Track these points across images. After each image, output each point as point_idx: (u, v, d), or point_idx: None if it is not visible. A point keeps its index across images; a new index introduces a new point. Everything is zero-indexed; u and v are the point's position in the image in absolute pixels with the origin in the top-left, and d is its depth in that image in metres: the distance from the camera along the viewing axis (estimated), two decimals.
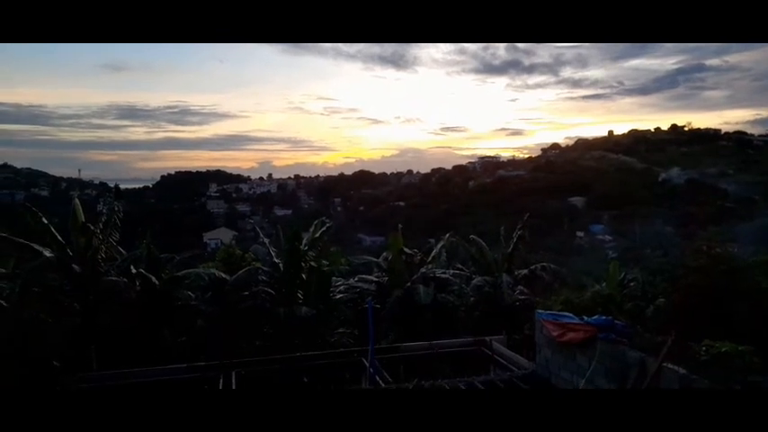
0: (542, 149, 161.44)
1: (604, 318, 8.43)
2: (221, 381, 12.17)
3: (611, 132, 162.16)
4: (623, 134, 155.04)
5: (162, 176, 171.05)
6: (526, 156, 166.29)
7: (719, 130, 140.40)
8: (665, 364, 6.94)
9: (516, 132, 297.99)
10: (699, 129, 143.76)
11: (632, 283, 18.01)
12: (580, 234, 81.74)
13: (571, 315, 9.20)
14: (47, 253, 15.17)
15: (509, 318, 18.85)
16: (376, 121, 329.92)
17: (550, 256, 38.66)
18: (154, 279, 16.44)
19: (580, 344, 8.61)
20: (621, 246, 65.56)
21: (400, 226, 21.09)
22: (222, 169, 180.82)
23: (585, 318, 8.73)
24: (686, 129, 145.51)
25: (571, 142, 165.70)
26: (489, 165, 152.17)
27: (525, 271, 20.89)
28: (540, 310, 10.37)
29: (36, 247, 15.37)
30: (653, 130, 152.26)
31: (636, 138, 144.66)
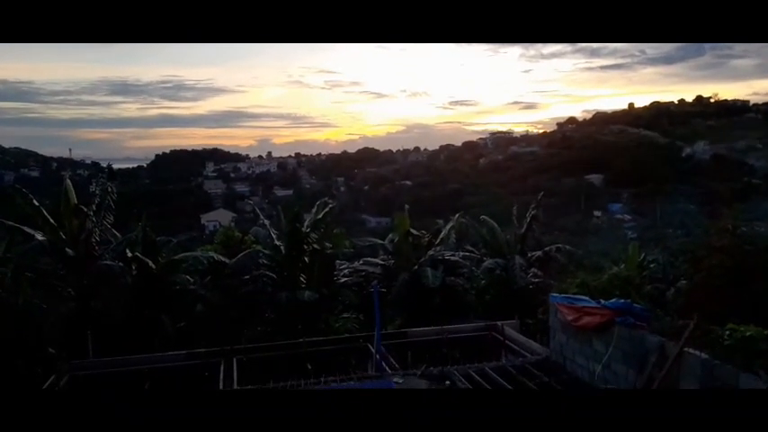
0: (558, 124, 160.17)
1: (622, 301, 8.45)
2: (222, 368, 12.34)
3: (631, 105, 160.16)
4: (645, 107, 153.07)
5: (156, 155, 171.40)
6: (541, 131, 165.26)
7: (748, 102, 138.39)
8: (686, 349, 6.97)
9: (530, 106, 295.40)
10: (726, 100, 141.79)
11: (652, 265, 17.97)
12: (597, 213, 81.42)
13: (587, 298, 9.23)
14: (39, 236, 15.30)
15: (522, 301, 18.91)
16: (380, 95, 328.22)
17: (566, 236, 38.70)
18: (150, 263, 16.56)
19: (596, 328, 8.65)
20: (641, 225, 65.32)
21: (407, 206, 21.10)
22: (219, 147, 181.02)
23: (602, 301, 8.75)
24: (712, 100, 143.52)
25: (589, 116, 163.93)
26: (501, 141, 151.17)
27: (539, 253, 20.90)
28: (554, 294, 10.41)
29: (27, 230, 15.51)
30: (677, 102, 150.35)
31: (658, 110, 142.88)
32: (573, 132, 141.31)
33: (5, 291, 15.08)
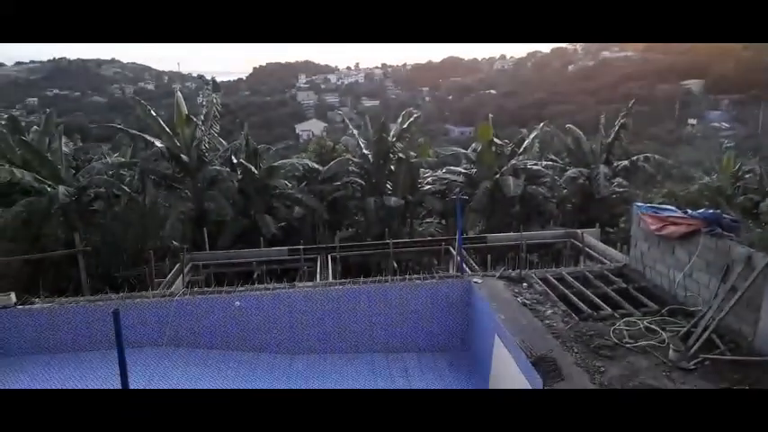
0: None
1: (711, 211, 7.90)
2: (318, 263, 13.15)
3: None
4: None
5: (254, 68, 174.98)
6: None
7: None
8: None
9: None
10: None
11: (748, 175, 16.58)
12: (693, 122, 74.55)
13: (673, 208, 8.71)
14: (158, 143, 16.44)
15: (604, 211, 18.26)
16: None
17: (656, 146, 36.08)
18: (253, 169, 17.44)
19: (680, 238, 8.22)
20: (740, 134, 59.36)
21: (491, 116, 20.39)
22: (310, 60, 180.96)
23: (690, 211, 8.23)
24: None
25: None
26: (592, 46, 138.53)
27: (625, 162, 19.75)
28: (638, 203, 9.91)
29: (148, 137, 16.68)
30: None
31: None
32: None
33: (134, 191, 16.61)
